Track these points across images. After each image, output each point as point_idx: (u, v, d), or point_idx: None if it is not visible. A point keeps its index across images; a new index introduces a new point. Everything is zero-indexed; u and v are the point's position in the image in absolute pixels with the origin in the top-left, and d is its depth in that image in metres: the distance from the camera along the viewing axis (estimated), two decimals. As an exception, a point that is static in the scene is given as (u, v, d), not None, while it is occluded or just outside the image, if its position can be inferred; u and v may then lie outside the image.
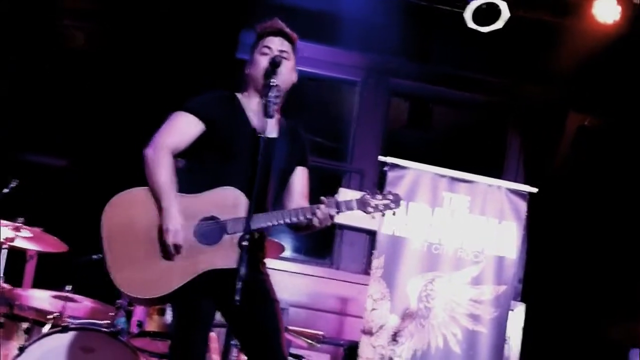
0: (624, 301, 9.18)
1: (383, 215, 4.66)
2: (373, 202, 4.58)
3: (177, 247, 4.37)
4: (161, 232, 4.39)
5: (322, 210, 4.48)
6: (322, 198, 4.53)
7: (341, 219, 8.78)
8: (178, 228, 4.36)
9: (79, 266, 6.55)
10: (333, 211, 4.49)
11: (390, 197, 4.63)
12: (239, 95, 4.73)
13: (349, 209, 4.55)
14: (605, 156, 9.55)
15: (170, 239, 4.35)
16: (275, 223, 4.46)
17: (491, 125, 10.28)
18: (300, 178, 4.82)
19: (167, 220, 4.37)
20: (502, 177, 9.08)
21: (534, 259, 9.35)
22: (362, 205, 4.58)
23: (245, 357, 6.12)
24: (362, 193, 4.65)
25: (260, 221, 4.41)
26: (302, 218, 4.49)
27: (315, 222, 4.51)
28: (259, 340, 4.54)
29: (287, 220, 4.49)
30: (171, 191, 4.42)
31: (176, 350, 4.52)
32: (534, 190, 7.87)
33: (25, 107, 8.86)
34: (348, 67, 9.93)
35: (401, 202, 4.65)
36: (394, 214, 4.68)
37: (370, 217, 4.65)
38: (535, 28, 8.85)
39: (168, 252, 4.37)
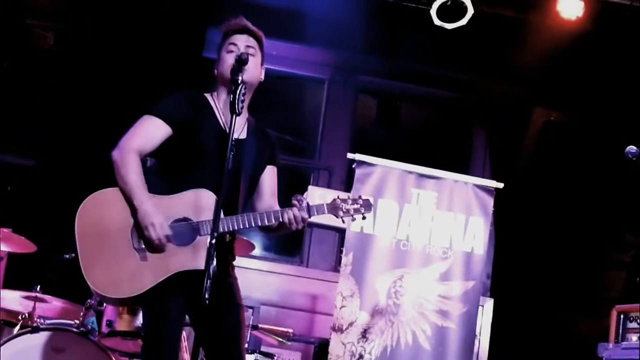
0: (591, 295, 9.24)
1: (353, 219, 4.68)
2: (344, 206, 4.63)
3: (168, 238, 4.38)
4: (133, 232, 4.40)
5: (294, 212, 4.50)
6: (294, 201, 4.55)
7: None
8: (162, 221, 4.37)
9: (51, 265, 6.53)
10: (305, 214, 4.51)
11: (361, 202, 4.66)
12: (207, 96, 4.73)
13: (319, 213, 4.59)
14: (571, 151, 9.61)
15: (158, 233, 4.36)
16: (247, 226, 4.47)
17: (458, 121, 10.34)
18: (269, 177, 4.83)
19: (146, 216, 4.37)
20: (469, 173, 9.12)
21: (502, 254, 9.40)
22: (333, 209, 4.62)
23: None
24: (333, 197, 4.68)
25: (233, 223, 4.43)
26: (274, 221, 4.51)
27: (286, 224, 4.52)
28: (218, 344, 4.56)
29: (259, 223, 4.50)
30: (142, 190, 4.43)
31: (148, 351, 4.53)
32: (501, 185, 7.90)
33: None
34: (315, 65, 9.96)
35: (371, 206, 4.68)
36: (364, 218, 4.70)
37: (339, 220, 4.70)
38: (500, 24, 8.91)
39: (154, 247, 4.37)
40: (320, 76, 10.04)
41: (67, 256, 5.83)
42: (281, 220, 4.51)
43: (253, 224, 4.49)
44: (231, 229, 4.44)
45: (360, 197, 4.71)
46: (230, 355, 4.56)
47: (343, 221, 4.72)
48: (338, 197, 4.66)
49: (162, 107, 4.63)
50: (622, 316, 7.56)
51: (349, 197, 4.67)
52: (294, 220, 4.51)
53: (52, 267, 6.50)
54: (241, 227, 4.47)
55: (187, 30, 8.95)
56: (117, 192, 4.48)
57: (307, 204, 4.54)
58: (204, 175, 4.48)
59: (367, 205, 4.67)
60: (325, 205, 4.60)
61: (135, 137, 4.54)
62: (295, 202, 4.54)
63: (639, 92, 8.67)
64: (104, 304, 6.40)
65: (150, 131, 4.57)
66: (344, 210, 4.63)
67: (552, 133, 9.87)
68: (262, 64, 4.78)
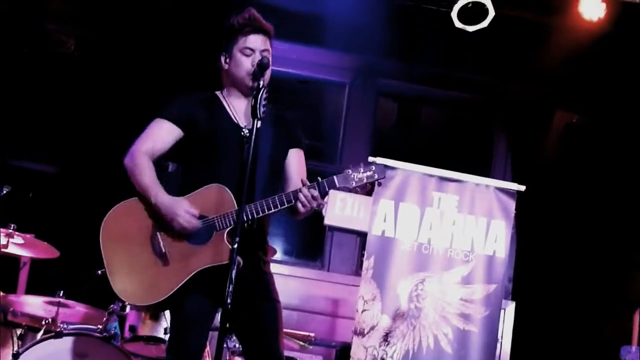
0: (614, 298, 9.19)
1: (367, 188, 4.58)
2: (356, 176, 4.52)
3: (193, 223, 4.41)
4: (153, 238, 4.47)
5: (304, 192, 4.43)
6: (303, 179, 4.52)
7: (331, 220, 8.77)
8: (186, 206, 4.41)
9: (84, 280, 6.55)
10: (314, 191, 4.43)
11: (373, 167, 4.55)
12: (218, 94, 4.76)
13: (331, 186, 4.51)
14: (593, 153, 9.58)
15: (185, 219, 4.40)
16: (261, 213, 4.44)
17: (479, 123, 10.29)
18: (294, 160, 4.80)
19: (168, 209, 4.43)
20: (491, 176, 9.08)
21: (524, 258, 9.35)
22: (345, 180, 4.52)
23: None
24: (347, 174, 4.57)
25: (245, 213, 4.40)
26: (286, 204, 4.45)
27: (299, 206, 4.45)
28: (257, 341, 4.59)
29: (271, 209, 4.44)
30: (158, 187, 4.49)
31: (172, 351, 4.59)
32: (522, 188, 7.86)
33: (16, 113, 8.85)
34: (336, 69, 9.92)
35: (385, 171, 4.59)
36: (379, 184, 4.62)
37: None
38: (521, 26, 8.88)
39: (178, 245, 4.43)
40: (341, 80, 10.00)
41: (100, 272, 5.83)
42: (292, 201, 4.44)
43: (266, 210, 4.43)
44: (246, 217, 4.40)
45: (371, 163, 4.61)
46: (269, 353, 4.58)
47: (357, 191, 4.58)
48: (349, 167, 4.56)
49: (171, 109, 4.68)
50: (645, 318, 7.55)
51: (361, 165, 4.56)
52: (305, 201, 4.43)
53: (85, 282, 6.51)
54: (254, 214, 4.42)
55: (206, 33, 8.96)
56: (133, 202, 4.56)
57: (317, 180, 4.49)
58: (223, 172, 4.51)
59: (380, 171, 4.55)
60: (335, 177, 4.52)
61: (144, 142, 4.62)
62: (304, 179, 4.50)
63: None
64: (127, 309, 6.43)
65: (160, 134, 4.64)
66: (356, 179, 4.52)
67: (574, 135, 9.83)
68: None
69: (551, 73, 9.10)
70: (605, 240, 9.33)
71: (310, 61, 9.59)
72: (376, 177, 4.55)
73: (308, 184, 4.46)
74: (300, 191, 4.44)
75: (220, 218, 4.44)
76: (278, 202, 4.46)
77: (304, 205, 4.45)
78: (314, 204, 4.47)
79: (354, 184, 4.53)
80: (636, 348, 7.50)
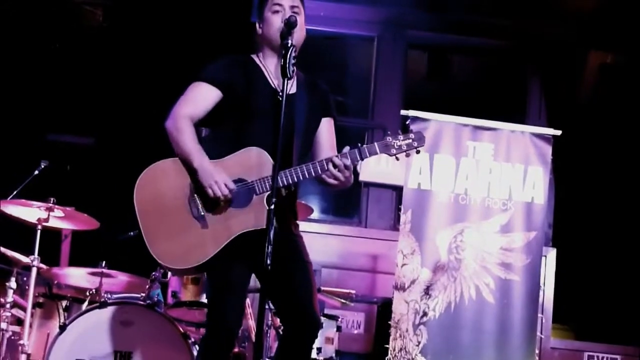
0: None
1: (407, 155, 4.55)
2: (396, 143, 4.50)
3: (228, 196, 4.40)
4: (190, 200, 4.45)
5: (335, 161, 4.43)
6: (343, 151, 4.48)
7: (366, 176, 8.74)
8: (225, 178, 4.40)
9: (116, 244, 6.60)
10: (347, 161, 4.42)
11: (413, 135, 4.54)
12: (254, 57, 4.74)
13: (372, 153, 4.49)
14: (629, 93, 9.47)
15: (222, 190, 4.38)
16: (296, 179, 4.45)
17: (511, 69, 10.18)
18: (326, 130, 4.80)
19: (208, 175, 4.40)
20: (525, 122, 9.00)
21: (563, 203, 9.28)
22: (385, 147, 4.50)
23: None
24: (386, 138, 4.55)
25: (284, 178, 4.42)
26: (320, 171, 4.44)
27: (332, 175, 4.44)
28: (291, 302, 4.59)
29: (306, 175, 4.44)
30: (199, 152, 4.46)
31: (212, 317, 4.59)
32: (558, 132, 7.78)
33: (50, 89, 8.90)
34: (364, 23, 9.83)
35: (424, 139, 4.57)
36: (418, 152, 4.58)
37: (393, 159, 4.58)
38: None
39: (218, 207, 4.40)
40: (369, 34, 9.93)
41: (132, 233, 5.87)
42: (326, 168, 4.43)
43: (301, 176, 4.44)
44: (283, 184, 4.42)
45: (411, 130, 4.61)
46: (304, 313, 4.57)
47: (397, 159, 4.55)
48: (389, 134, 4.54)
49: (210, 71, 4.65)
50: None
51: (399, 133, 4.54)
52: (337, 170, 4.42)
53: (119, 246, 6.56)
54: (291, 180, 4.44)
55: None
56: (170, 163, 4.54)
57: (358, 146, 4.47)
58: (257, 135, 4.50)
59: (420, 138, 4.54)
60: (376, 144, 4.50)
61: (185, 104, 4.59)
62: (341, 154, 4.48)
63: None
64: (168, 276, 6.47)
65: (200, 96, 4.61)
66: (397, 146, 4.50)
67: (608, 76, 9.71)
68: (305, 20, 4.74)
69: (583, 13, 8.99)
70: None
71: (337, 17, 9.50)
72: (415, 145, 4.53)
73: (340, 154, 4.45)
74: (332, 160, 4.44)
75: (260, 182, 4.44)
76: (313, 169, 4.45)
77: (335, 176, 4.44)
78: (347, 174, 4.46)
79: (394, 152, 4.52)
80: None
